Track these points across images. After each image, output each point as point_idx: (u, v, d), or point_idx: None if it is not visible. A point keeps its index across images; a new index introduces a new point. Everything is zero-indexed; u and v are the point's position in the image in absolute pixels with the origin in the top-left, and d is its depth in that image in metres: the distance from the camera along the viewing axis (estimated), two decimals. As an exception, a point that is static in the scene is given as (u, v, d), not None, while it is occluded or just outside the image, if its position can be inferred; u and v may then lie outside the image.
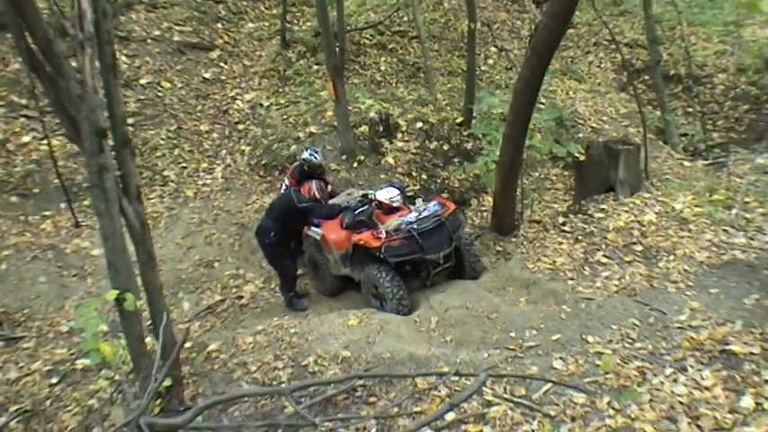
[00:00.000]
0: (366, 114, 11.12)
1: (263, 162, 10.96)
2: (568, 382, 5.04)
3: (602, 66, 14.94)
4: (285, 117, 11.65)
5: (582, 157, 9.49)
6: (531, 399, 4.99)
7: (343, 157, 10.42)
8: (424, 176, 10.75)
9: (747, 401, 4.63)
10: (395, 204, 7.95)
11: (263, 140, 11.31)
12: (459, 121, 11.67)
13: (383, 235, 7.38)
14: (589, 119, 12.72)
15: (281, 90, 12.65)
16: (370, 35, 13.82)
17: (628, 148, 9.12)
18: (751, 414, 4.52)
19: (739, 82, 14.20)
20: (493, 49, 14.39)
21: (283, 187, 9.19)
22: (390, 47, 13.92)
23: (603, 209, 8.80)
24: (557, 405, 4.84)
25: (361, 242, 7.54)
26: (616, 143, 9.31)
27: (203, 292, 9.02)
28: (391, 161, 10.69)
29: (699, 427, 4.44)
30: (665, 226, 8.05)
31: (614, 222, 8.33)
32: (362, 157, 10.46)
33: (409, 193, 9.58)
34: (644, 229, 8.09)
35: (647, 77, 14.04)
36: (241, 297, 8.87)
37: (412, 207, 8.10)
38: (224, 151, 11.57)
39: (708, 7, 13.44)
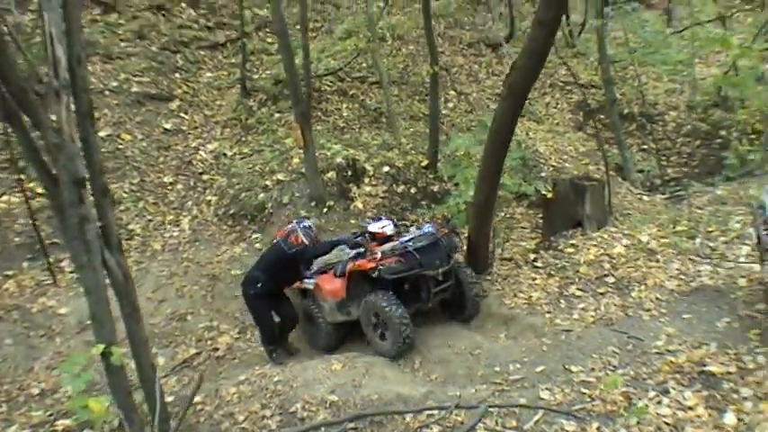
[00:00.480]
0: (332, 160, 11.22)
1: (231, 212, 10.93)
2: (561, 410, 5.11)
3: (558, 106, 15.35)
4: (250, 166, 11.67)
5: (549, 195, 9.72)
6: (524, 430, 5.06)
7: (313, 203, 10.47)
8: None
9: (730, 418, 4.81)
10: (388, 233, 7.99)
11: (229, 190, 11.30)
12: (424, 164, 11.84)
13: (378, 256, 7.37)
14: (550, 158, 13.02)
15: (244, 139, 12.69)
16: (331, 82, 14.00)
17: (593, 184, 9.38)
18: (735, 430, 4.68)
19: (690, 119, 14.71)
20: (452, 92, 14.69)
21: None
22: (351, 93, 14.11)
23: (573, 244, 9.00)
24: (549, 434, 4.92)
25: (357, 267, 7.49)
26: (581, 179, 9.58)
27: (178, 345, 8.90)
28: (360, 206, 10.78)
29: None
30: (634, 257, 8.27)
31: (585, 256, 8.53)
32: (332, 203, 10.52)
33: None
34: (614, 261, 8.30)
35: (602, 117, 14.45)
36: (217, 349, 8.77)
37: (405, 233, 8.19)
38: (190, 202, 11.50)
39: (658, 47, 13.93)
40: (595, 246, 8.85)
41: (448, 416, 5.30)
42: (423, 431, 5.23)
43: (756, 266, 7.35)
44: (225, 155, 12.21)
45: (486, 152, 7.53)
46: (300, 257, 7.87)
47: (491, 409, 5.30)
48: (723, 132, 14.01)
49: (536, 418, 5.22)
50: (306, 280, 8.29)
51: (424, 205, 11.33)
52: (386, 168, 11.58)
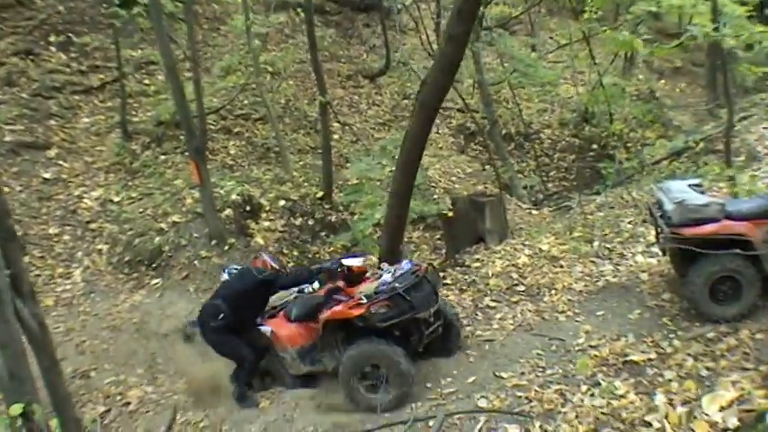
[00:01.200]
0: (228, 197, 11.02)
1: (127, 259, 10.46)
2: (508, 410, 5.22)
3: (440, 131, 15.80)
4: (141, 210, 11.25)
5: (450, 213, 9.97)
6: (470, 437, 5.14)
7: (213, 242, 10.22)
8: (295, 253, 10.79)
9: (660, 399, 5.06)
10: (366, 271, 7.12)
11: (121, 237, 10.82)
12: (319, 195, 11.87)
13: (363, 300, 6.31)
14: (440, 181, 13.39)
15: (130, 183, 12.21)
16: (215, 120, 13.79)
17: (491, 199, 9.75)
18: (667, 408, 4.95)
19: (563, 135, 15.58)
20: (336, 124, 14.81)
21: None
22: (236, 130, 13.95)
23: (478, 258, 9.27)
24: (494, 438, 5.02)
25: (339, 315, 6.45)
26: (479, 196, 9.91)
27: (84, 405, 8.34)
28: (261, 241, 10.63)
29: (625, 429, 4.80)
30: (539, 265, 8.62)
31: (492, 269, 8.79)
32: (232, 240, 10.32)
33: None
34: (521, 270, 8.62)
35: (481, 138, 15.00)
36: (128, 403, 8.28)
37: (381, 271, 7.08)
38: (80, 253, 10.91)
39: (533, 69, 14.65)
40: (500, 258, 9.14)
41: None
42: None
43: (654, 260, 7.87)
44: (112, 201, 11.68)
45: (399, 170, 7.61)
46: (272, 284, 7.02)
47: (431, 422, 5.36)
48: (595, 146, 14.95)
49: (479, 426, 5.31)
50: (260, 327, 7.28)
51: (322, 236, 11.34)
52: (282, 202, 11.52)
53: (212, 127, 13.69)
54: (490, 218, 9.59)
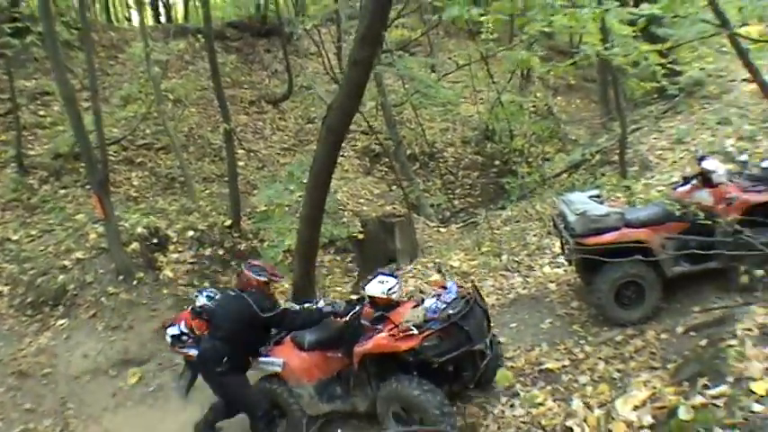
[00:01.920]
0: (133, 230, 10.69)
1: (29, 300, 9.92)
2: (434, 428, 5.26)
3: (346, 154, 15.87)
4: (43, 248, 10.74)
5: (360, 236, 10.03)
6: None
7: (120, 277, 9.86)
8: (206, 284, 10.53)
9: (577, 404, 5.24)
10: (394, 297, 5.90)
11: (22, 277, 10.29)
12: (228, 224, 11.69)
13: (413, 331, 5.29)
14: (348, 203, 13.44)
15: (29, 220, 11.65)
16: (115, 151, 13.41)
17: (400, 219, 9.87)
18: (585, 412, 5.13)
19: (466, 153, 15.95)
20: (241, 151, 14.69)
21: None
22: (139, 161, 13.62)
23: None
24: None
25: (381, 350, 5.46)
26: (388, 217, 10.02)
27: (-8, 460, 7.91)
28: (170, 274, 10.35)
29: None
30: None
31: (404, 287, 8.85)
32: (141, 275, 9.99)
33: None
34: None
35: (387, 160, 15.17)
36: (40, 456, 7.90)
37: (423, 295, 6.33)
38: (-22, 297, 10.37)
39: (428, 90, 14.94)
40: (412, 277, 9.27)
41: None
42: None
43: (560, 271, 8.14)
44: (10, 240, 11.10)
45: (308, 194, 7.59)
46: (277, 325, 6.13)
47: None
48: (497, 162, 15.37)
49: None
50: (262, 359, 6.25)
51: (233, 265, 11.16)
52: (190, 233, 11.26)
53: (114, 158, 13.31)
54: (400, 238, 9.72)
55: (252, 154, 14.89)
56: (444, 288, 6.02)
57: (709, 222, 6.24)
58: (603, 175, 11.62)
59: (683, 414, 2.83)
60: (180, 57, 16.67)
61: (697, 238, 6.40)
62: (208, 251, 11.17)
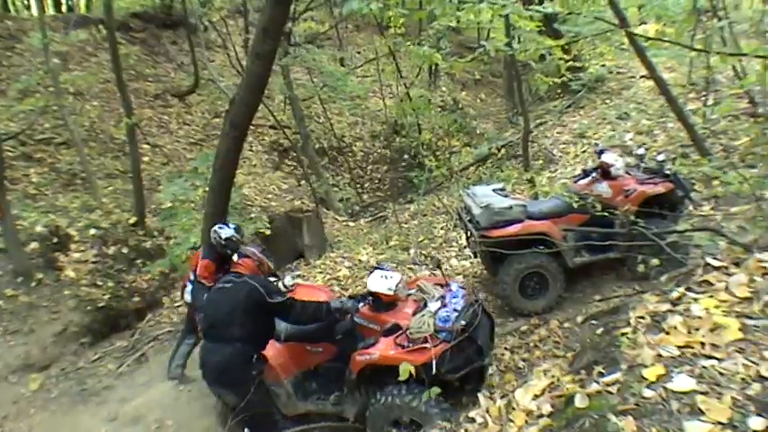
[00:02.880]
0: (32, 229, 10.26)
1: None
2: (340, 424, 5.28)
3: (253, 149, 15.69)
4: (-68, 251, 10.22)
5: (267, 232, 9.94)
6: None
7: (19, 279, 9.46)
8: (110, 284, 10.21)
9: (483, 393, 5.29)
10: (401, 296, 5.43)
11: None
12: (132, 221, 11.36)
13: (426, 343, 4.78)
14: (256, 199, 13.28)
15: None
16: (12, 146, 12.78)
17: (308, 215, 9.85)
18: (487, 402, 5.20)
19: (375, 147, 16.02)
20: (146, 146, 14.28)
21: (188, 289, 6.71)
22: (38, 156, 13.01)
23: (300, 274, 9.26)
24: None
25: (389, 363, 4.80)
26: (296, 212, 9.97)
27: None
28: (72, 274, 9.99)
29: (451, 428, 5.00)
30: (360, 276, 8.82)
31: (314, 282, 8.84)
32: (41, 276, 9.61)
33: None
34: (342, 283, 8.80)
35: (295, 154, 15.07)
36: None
37: (422, 295, 5.58)
38: None
39: (337, 83, 14.92)
40: (321, 272, 9.28)
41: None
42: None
43: (467, 263, 8.30)
44: None
45: (212, 191, 7.45)
46: (282, 313, 5.16)
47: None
48: (406, 156, 15.52)
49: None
50: None
51: (139, 264, 10.86)
52: (92, 231, 10.89)
53: (11, 154, 12.67)
54: (308, 233, 9.72)
55: (157, 149, 14.49)
56: (443, 286, 5.64)
57: (608, 214, 6.50)
58: (509, 168, 11.91)
59: (579, 402, 2.92)
60: (81, 48, 16.00)
61: (596, 230, 6.66)
62: (111, 250, 10.83)
